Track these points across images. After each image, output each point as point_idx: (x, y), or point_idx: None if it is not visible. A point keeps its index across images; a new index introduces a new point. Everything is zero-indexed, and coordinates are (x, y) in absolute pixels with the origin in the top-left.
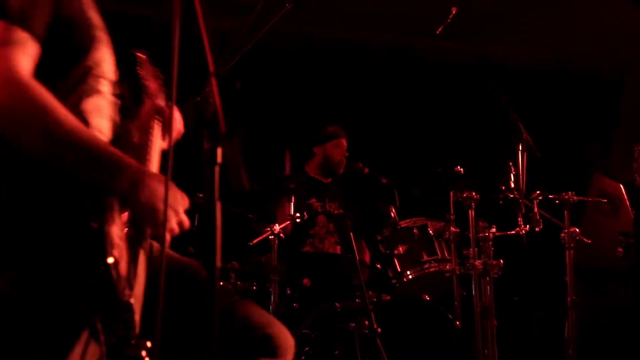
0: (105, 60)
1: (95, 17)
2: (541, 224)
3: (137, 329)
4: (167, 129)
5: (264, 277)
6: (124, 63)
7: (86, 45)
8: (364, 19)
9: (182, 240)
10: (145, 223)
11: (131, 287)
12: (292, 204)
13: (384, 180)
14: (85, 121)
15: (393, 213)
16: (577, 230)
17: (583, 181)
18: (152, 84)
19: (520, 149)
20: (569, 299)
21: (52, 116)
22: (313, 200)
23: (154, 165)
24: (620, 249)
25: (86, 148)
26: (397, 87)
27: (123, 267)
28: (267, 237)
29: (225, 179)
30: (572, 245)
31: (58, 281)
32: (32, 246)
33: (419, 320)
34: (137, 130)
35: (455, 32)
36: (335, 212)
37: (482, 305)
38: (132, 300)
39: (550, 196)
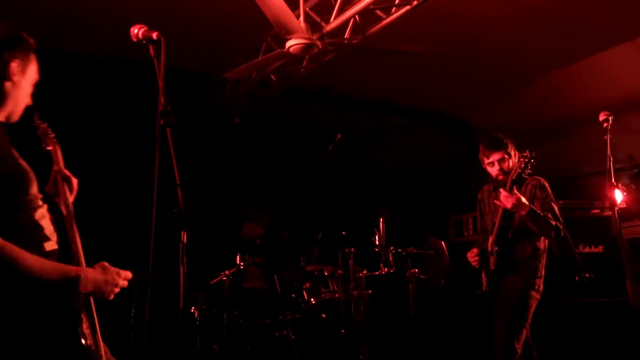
0: (35, 186)
1: (24, 163)
2: (394, 267)
3: None
4: (70, 185)
5: (220, 303)
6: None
7: (26, 184)
8: (287, 138)
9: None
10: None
11: (97, 347)
12: (238, 256)
13: (297, 242)
14: (38, 225)
15: (302, 262)
16: (417, 270)
17: (420, 240)
18: (52, 148)
19: (381, 221)
20: (411, 312)
21: (13, 260)
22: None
23: (71, 216)
24: (443, 282)
25: (47, 275)
26: (310, 182)
27: (90, 342)
28: (221, 278)
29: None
30: (413, 280)
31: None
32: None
33: (318, 330)
34: (50, 185)
35: (341, 147)
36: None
37: (358, 319)
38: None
39: (399, 250)
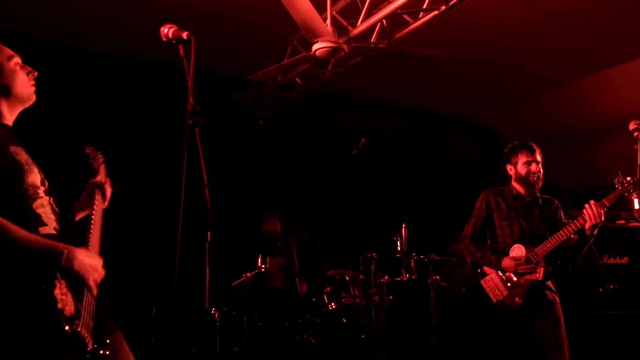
0: (36, 179)
1: (22, 157)
2: (416, 273)
3: (90, 343)
4: (104, 194)
5: (241, 305)
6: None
7: (20, 175)
8: (311, 141)
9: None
10: (81, 281)
11: (79, 319)
12: (259, 258)
13: (318, 244)
14: (34, 211)
15: (324, 266)
16: (438, 277)
17: (442, 246)
18: (97, 164)
19: (403, 227)
20: (432, 319)
21: (12, 234)
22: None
23: (97, 221)
24: (464, 289)
25: (31, 245)
26: (333, 186)
27: (69, 309)
28: (243, 280)
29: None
30: (434, 287)
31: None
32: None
33: (339, 335)
34: (83, 200)
35: (365, 152)
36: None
37: (378, 325)
38: (79, 328)
39: (421, 256)
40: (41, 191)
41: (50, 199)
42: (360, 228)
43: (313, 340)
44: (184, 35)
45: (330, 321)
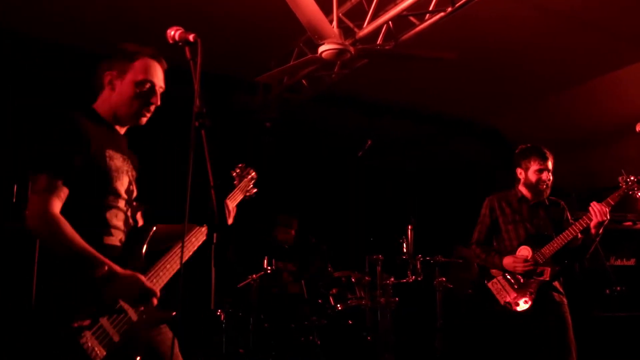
0: (121, 187)
1: (115, 163)
2: (422, 275)
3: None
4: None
5: (247, 307)
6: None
7: (105, 181)
8: (318, 143)
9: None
10: (124, 300)
11: (90, 329)
12: (265, 260)
13: (324, 247)
14: (106, 223)
15: (329, 267)
16: (444, 279)
17: (449, 249)
18: (238, 182)
19: (409, 228)
20: (438, 320)
21: (64, 238)
22: (280, 263)
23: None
24: (471, 291)
25: (80, 253)
26: (339, 188)
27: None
28: (249, 282)
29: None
30: (440, 289)
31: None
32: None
33: (345, 336)
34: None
35: (371, 153)
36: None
37: (384, 326)
38: (84, 340)
39: (427, 258)
40: (121, 201)
41: (129, 210)
42: (366, 229)
43: (319, 342)
44: (191, 37)
45: (336, 323)
